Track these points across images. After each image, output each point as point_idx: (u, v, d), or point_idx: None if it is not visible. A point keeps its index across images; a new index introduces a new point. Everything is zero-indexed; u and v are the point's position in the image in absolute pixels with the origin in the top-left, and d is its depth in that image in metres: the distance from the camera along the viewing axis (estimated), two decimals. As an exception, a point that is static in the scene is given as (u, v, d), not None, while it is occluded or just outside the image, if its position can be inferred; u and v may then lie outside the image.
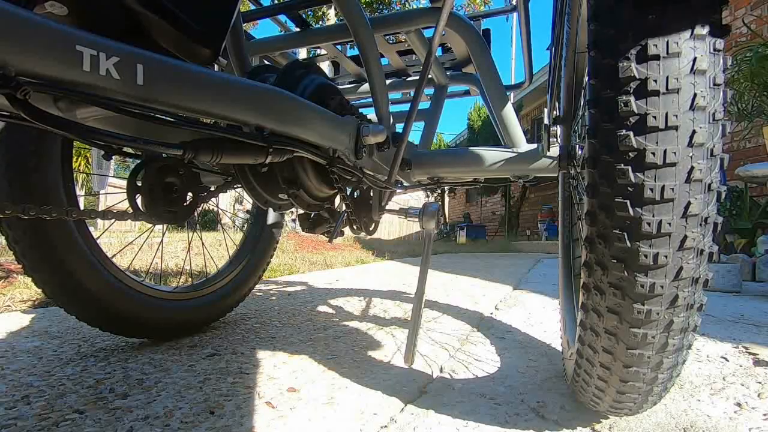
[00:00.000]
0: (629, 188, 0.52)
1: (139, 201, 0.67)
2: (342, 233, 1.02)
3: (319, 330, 1.35)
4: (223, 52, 0.67)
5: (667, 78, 0.50)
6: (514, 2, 1.26)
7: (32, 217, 0.72)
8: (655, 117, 0.50)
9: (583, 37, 0.84)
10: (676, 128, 0.50)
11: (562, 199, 1.20)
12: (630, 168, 0.51)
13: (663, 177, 0.51)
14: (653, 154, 0.50)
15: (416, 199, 10.53)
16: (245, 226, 1.58)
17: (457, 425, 0.75)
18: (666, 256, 0.52)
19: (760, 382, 0.92)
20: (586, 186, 0.57)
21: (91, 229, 1.00)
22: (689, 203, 0.51)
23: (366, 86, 1.55)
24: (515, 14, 1.29)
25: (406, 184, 1.32)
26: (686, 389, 0.90)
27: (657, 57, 0.50)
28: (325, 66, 1.65)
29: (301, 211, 0.98)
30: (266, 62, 1.42)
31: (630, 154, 0.51)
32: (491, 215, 13.55)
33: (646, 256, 0.52)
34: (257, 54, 1.33)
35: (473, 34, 1.16)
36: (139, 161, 0.68)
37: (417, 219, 1.05)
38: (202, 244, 1.60)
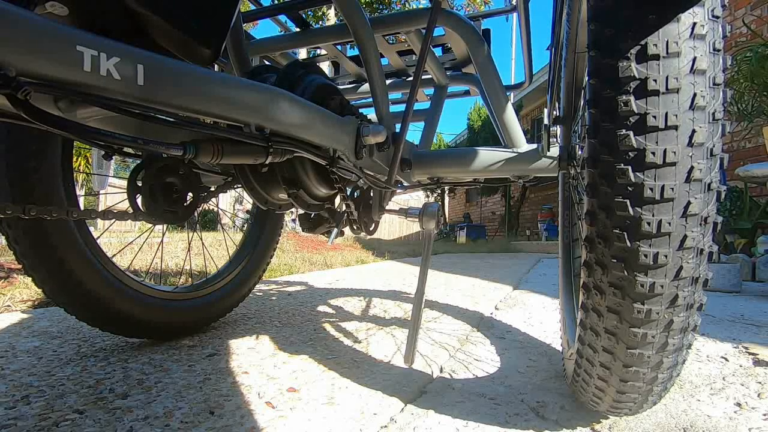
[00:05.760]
0: (629, 188, 0.52)
1: (139, 201, 0.67)
2: (342, 233, 1.02)
3: (319, 330, 1.35)
4: (223, 52, 0.67)
5: (667, 78, 0.50)
6: (514, 2, 1.26)
7: (33, 217, 0.72)
8: (654, 117, 0.50)
9: (583, 37, 0.84)
10: (675, 128, 0.50)
11: (562, 199, 1.20)
12: (630, 168, 0.51)
13: (663, 177, 0.51)
14: (653, 153, 0.50)
15: (416, 199, 10.53)
16: (245, 226, 1.58)
17: (457, 425, 0.75)
18: (666, 256, 0.52)
19: (760, 382, 0.92)
20: (586, 186, 0.57)
21: (91, 229, 1.00)
22: (689, 203, 0.51)
23: (366, 86, 1.55)
24: (515, 14, 1.29)
25: (406, 184, 1.32)
26: (686, 389, 0.90)
27: (657, 57, 0.50)
28: (325, 66, 1.65)
29: (301, 211, 0.98)
30: (266, 62, 1.43)
31: (630, 153, 0.51)
32: (491, 215, 13.55)
33: (646, 256, 0.52)
34: (257, 54, 1.33)
35: (473, 34, 1.16)
36: (139, 161, 0.68)
37: (417, 219, 1.05)
38: (202, 244, 1.60)
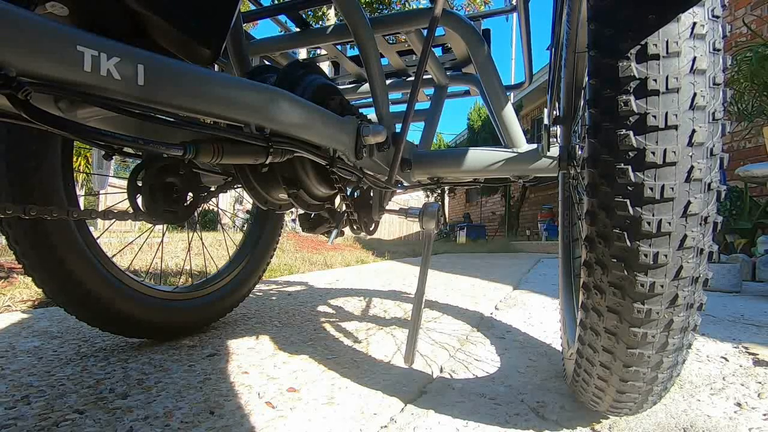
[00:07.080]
0: (629, 187, 0.52)
1: (139, 201, 0.67)
2: (342, 233, 1.02)
3: (319, 330, 1.35)
4: (223, 52, 0.67)
5: (667, 77, 0.50)
6: (514, 2, 1.26)
7: (33, 217, 0.72)
8: (654, 116, 0.50)
9: (583, 37, 0.84)
10: (675, 127, 0.50)
11: (562, 199, 1.20)
12: (630, 167, 0.51)
13: (663, 176, 0.51)
14: (653, 153, 0.50)
15: (416, 199, 10.53)
16: (245, 226, 1.58)
17: (457, 425, 0.75)
18: (666, 256, 0.52)
19: (760, 382, 0.92)
20: (586, 185, 0.57)
21: (91, 229, 1.00)
22: (689, 202, 0.51)
23: (366, 86, 1.55)
24: (515, 14, 1.29)
25: (406, 184, 1.32)
26: (686, 389, 0.90)
27: (657, 56, 0.50)
28: (325, 66, 1.65)
29: (301, 211, 0.98)
30: (266, 62, 1.43)
31: (630, 153, 0.51)
32: (491, 215, 13.55)
33: (646, 256, 0.52)
34: (257, 54, 1.33)
35: (473, 34, 1.16)
36: (139, 161, 0.68)
37: (417, 219, 1.05)
38: (202, 244, 1.60)
